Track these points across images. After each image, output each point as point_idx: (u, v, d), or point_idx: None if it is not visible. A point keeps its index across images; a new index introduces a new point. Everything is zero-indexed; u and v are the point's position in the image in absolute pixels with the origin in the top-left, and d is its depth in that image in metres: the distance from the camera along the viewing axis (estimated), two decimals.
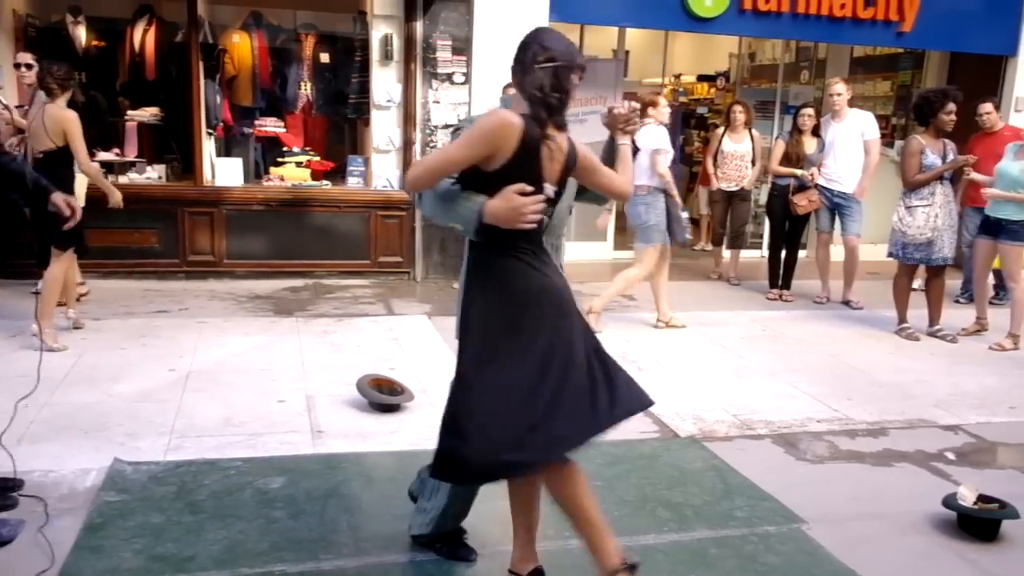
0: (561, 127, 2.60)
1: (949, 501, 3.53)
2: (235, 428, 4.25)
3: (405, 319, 6.54)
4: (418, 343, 5.90)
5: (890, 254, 6.54)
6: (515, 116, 2.51)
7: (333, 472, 3.80)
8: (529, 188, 2.53)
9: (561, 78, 2.55)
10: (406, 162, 7.75)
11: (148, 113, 7.71)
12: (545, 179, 2.58)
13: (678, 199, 6.45)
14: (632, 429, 4.13)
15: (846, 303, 7.51)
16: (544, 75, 2.53)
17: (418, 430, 4.31)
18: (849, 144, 7.35)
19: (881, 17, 8.42)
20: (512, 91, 2.70)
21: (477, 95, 7.66)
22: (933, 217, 6.19)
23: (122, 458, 3.80)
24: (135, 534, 3.17)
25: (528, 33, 2.64)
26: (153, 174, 7.51)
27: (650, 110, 6.33)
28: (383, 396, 4.60)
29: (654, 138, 6.29)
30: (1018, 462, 4.36)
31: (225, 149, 8.00)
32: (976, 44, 8.90)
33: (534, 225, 2.57)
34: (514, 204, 2.52)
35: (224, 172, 7.60)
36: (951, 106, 6.13)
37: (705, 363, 5.67)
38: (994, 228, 6.27)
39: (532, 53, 2.55)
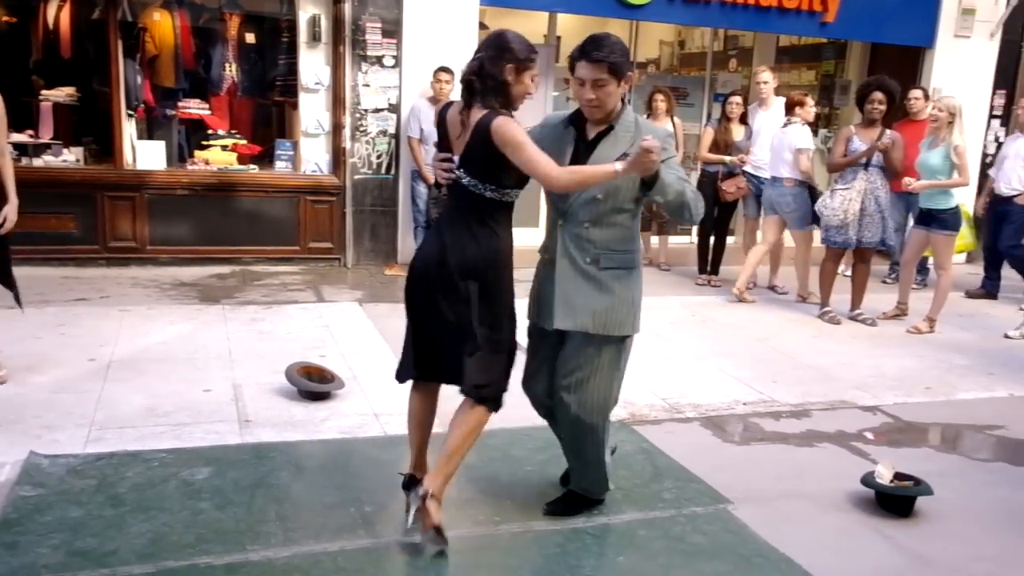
0: (470, 107, 2.94)
1: (867, 479, 3.65)
2: (159, 418, 4.14)
3: (336, 306, 6.46)
4: (349, 330, 5.83)
5: (821, 239, 6.72)
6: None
7: (261, 462, 3.73)
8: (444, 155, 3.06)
9: (486, 66, 2.91)
10: (335, 146, 7.64)
11: (64, 93, 7.40)
12: (454, 151, 3.03)
13: (820, 190, 6.99)
14: None
15: (772, 288, 7.69)
16: (474, 63, 2.94)
17: (348, 418, 4.27)
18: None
19: (805, 7, 8.61)
20: None
21: (408, 79, 7.58)
22: (849, 201, 6.36)
23: (39, 451, 3.67)
24: (52, 529, 3.07)
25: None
26: (70, 157, 7.23)
27: (797, 109, 6.94)
28: (312, 384, 4.54)
29: (799, 137, 6.86)
30: (932, 441, 4.53)
31: (147, 131, 7.74)
32: (896, 35, 9.17)
33: (444, 179, 3.05)
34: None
35: (146, 155, 7.37)
36: (876, 95, 6.28)
37: (636, 348, 5.72)
38: (926, 218, 6.49)
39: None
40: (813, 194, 6.96)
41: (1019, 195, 7.37)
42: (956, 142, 6.23)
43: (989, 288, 7.91)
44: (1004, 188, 7.47)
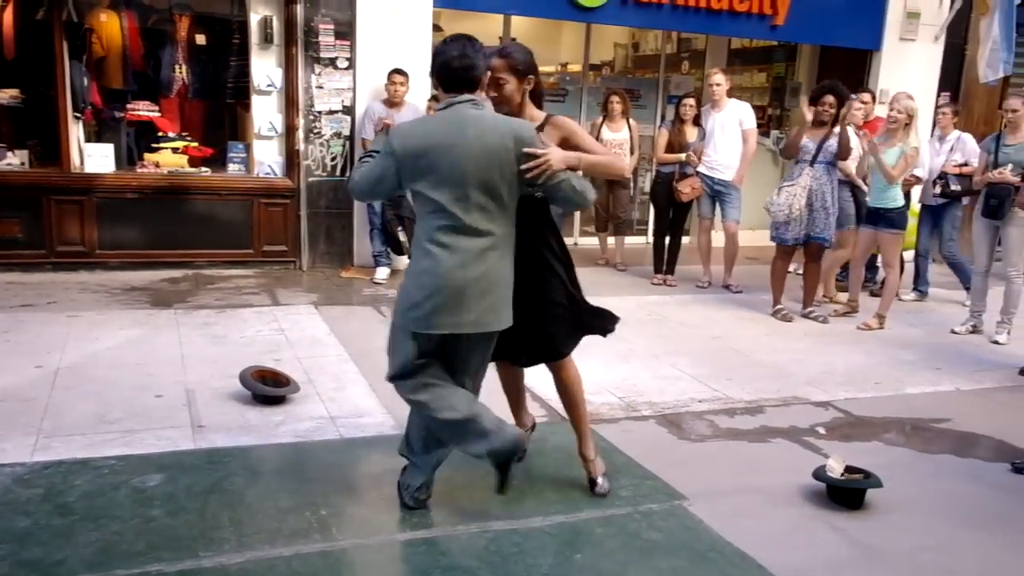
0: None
1: (819, 473, 3.71)
2: (109, 425, 4.06)
3: (291, 309, 6.39)
4: (304, 333, 5.77)
5: (771, 237, 6.82)
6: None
7: (214, 467, 3.68)
8: None
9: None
10: (289, 148, 7.57)
11: (7, 95, 7.22)
12: None
13: (864, 188, 7.05)
14: None
15: (726, 287, 7.78)
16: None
17: (304, 422, 4.23)
18: (728, 133, 7.61)
19: (756, 11, 8.73)
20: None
21: (362, 81, 7.54)
22: (795, 196, 6.46)
23: None
24: None
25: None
26: (14, 160, 7.06)
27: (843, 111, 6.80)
28: (267, 388, 4.49)
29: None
30: (882, 434, 4.62)
31: (95, 134, 7.60)
32: (844, 38, 9.35)
33: None
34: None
35: (94, 158, 7.22)
36: (828, 98, 6.40)
37: (592, 347, 5.69)
38: (874, 217, 6.62)
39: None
40: (856, 196, 7.17)
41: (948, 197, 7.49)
42: (913, 143, 6.39)
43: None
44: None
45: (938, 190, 7.40)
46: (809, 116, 6.45)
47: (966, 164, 7.30)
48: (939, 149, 7.56)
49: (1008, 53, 8.62)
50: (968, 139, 7.56)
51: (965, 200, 7.65)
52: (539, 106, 3.45)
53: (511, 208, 3.11)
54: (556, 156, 3.08)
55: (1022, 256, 6.25)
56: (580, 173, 3.25)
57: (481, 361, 3.29)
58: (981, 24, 8.86)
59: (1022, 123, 6.30)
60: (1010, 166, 6.20)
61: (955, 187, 7.32)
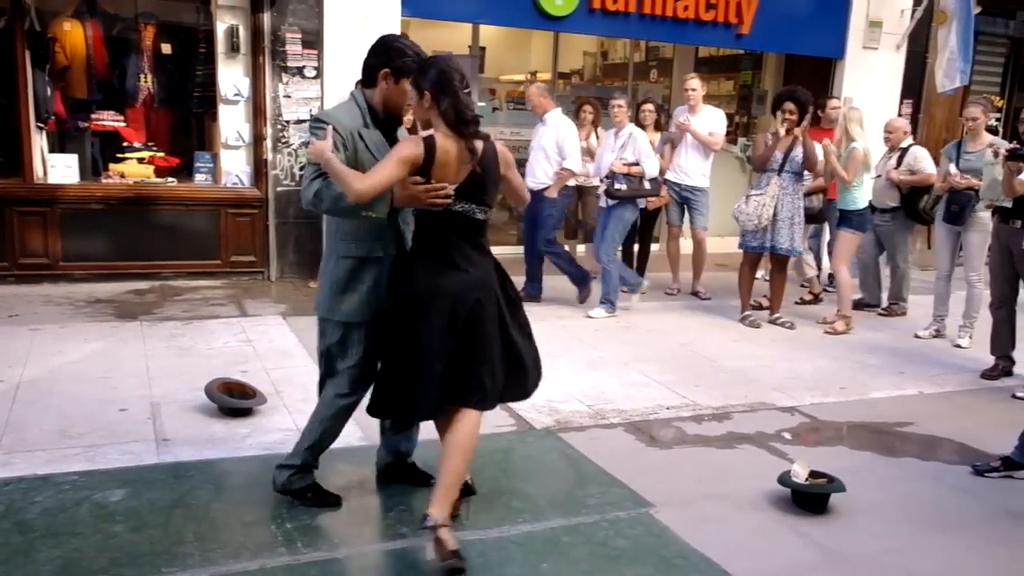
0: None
1: (783, 478, 3.74)
2: (71, 440, 4.01)
3: (259, 320, 6.35)
4: (272, 345, 5.74)
5: (739, 244, 6.88)
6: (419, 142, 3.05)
7: (179, 481, 3.64)
8: (421, 179, 3.03)
9: (470, 97, 3.17)
10: (257, 157, 7.53)
11: None
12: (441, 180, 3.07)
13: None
14: (489, 423, 4.15)
15: (695, 294, 7.83)
16: (467, 98, 3.10)
17: (271, 434, 4.20)
18: (699, 141, 7.64)
19: (722, 19, 8.82)
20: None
21: (330, 90, 7.52)
22: (763, 206, 6.52)
23: None
24: None
25: (437, 60, 3.16)
26: None
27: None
28: (233, 400, 4.45)
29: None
30: (847, 439, 4.68)
31: (59, 144, 7.51)
32: (808, 47, 9.48)
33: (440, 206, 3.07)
34: (411, 191, 3.05)
35: (58, 168, 7.13)
36: (788, 105, 6.48)
37: (562, 356, 5.78)
38: (840, 218, 6.86)
39: (451, 80, 3.06)
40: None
41: (548, 188, 6.99)
42: (855, 146, 6.67)
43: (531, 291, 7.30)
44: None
45: (602, 188, 6.91)
46: (782, 130, 6.49)
47: (636, 164, 6.73)
48: (612, 145, 6.99)
49: (965, 63, 8.79)
50: (639, 135, 6.90)
51: (641, 203, 7.05)
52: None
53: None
54: (314, 148, 3.05)
55: (983, 261, 6.35)
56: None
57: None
58: (939, 34, 9.02)
59: (982, 131, 6.41)
60: (956, 173, 6.28)
61: (620, 186, 6.73)
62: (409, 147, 3.03)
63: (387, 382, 3.24)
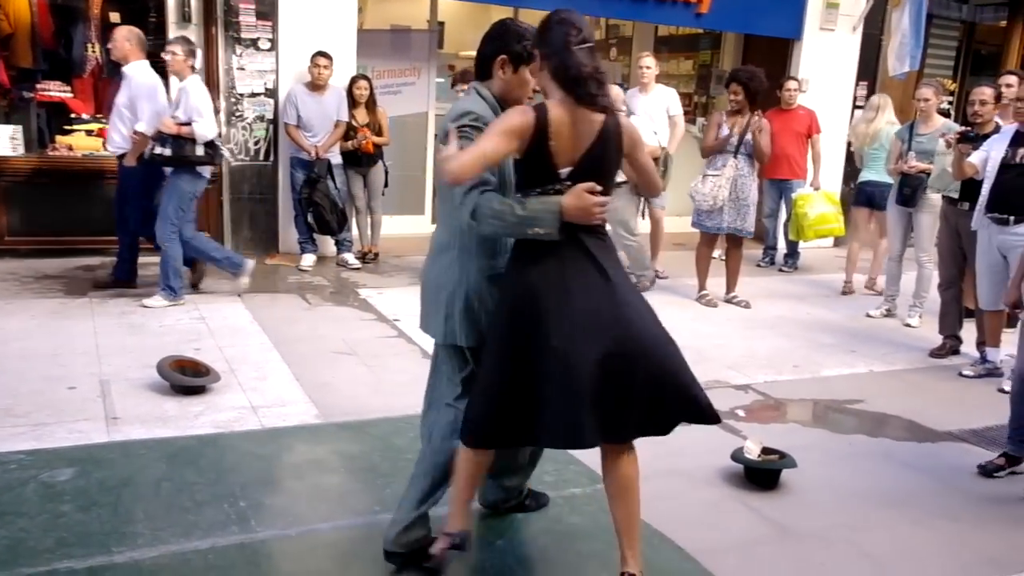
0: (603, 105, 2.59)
1: (736, 455, 3.80)
2: (16, 419, 3.92)
3: (213, 297, 6.24)
4: (226, 322, 5.65)
5: (692, 223, 6.92)
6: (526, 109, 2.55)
7: (129, 460, 3.59)
8: (599, 188, 2.55)
9: (594, 56, 2.59)
10: None
11: None
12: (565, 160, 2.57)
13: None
14: None
15: (653, 272, 7.86)
16: (584, 55, 2.55)
17: (224, 412, 4.15)
18: (656, 120, 7.64)
19: None
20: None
21: (285, 63, 7.38)
22: (719, 188, 6.57)
23: None
24: None
25: (552, 15, 2.62)
26: None
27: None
28: (185, 378, 4.39)
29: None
30: (798, 416, 4.76)
31: (3, 115, 7.28)
32: (765, 27, 9.51)
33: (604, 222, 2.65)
34: (585, 203, 2.53)
35: (2, 140, 6.90)
36: (732, 86, 6.54)
37: None
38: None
39: (564, 34, 2.55)
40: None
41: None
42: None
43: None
44: None
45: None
46: (725, 127, 6.61)
47: (187, 124, 5.67)
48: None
49: (916, 47, 8.88)
50: (193, 89, 5.77)
51: (206, 172, 5.95)
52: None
53: (448, 202, 2.69)
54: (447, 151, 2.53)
55: (932, 243, 6.47)
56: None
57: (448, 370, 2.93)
58: (893, 16, 9.11)
59: (933, 112, 6.51)
60: (913, 155, 6.35)
61: (163, 151, 5.69)
62: (515, 116, 2.53)
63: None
